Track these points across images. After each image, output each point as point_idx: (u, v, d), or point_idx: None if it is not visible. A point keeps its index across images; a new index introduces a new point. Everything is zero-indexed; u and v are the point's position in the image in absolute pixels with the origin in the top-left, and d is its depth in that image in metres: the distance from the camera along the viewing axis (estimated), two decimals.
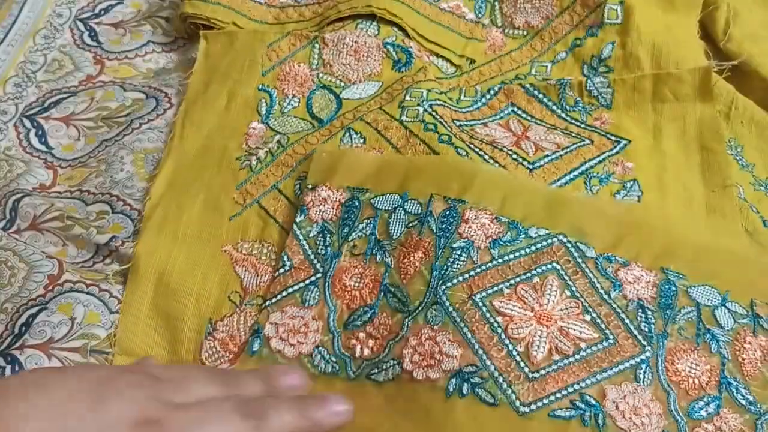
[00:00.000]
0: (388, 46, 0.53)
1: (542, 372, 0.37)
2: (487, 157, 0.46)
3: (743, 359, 0.39)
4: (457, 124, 0.49)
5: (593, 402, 0.36)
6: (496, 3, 0.57)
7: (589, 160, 0.47)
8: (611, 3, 0.54)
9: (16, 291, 0.43)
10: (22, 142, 0.52)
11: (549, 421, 0.36)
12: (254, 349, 0.40)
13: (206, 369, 0.37)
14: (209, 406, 0.33)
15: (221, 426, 0.33)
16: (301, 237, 0.44)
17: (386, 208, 0.44)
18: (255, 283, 0.43)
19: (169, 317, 0.43)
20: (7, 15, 0.59)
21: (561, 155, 0.47)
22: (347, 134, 0.48)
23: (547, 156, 0.47)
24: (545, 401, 0.36)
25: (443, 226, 0.42)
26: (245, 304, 0.43)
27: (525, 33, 0.56)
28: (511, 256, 0.41)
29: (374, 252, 0.42)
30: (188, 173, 0.49)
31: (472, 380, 0.37)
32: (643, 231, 0.43)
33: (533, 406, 0.36)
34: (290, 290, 0.42)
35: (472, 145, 0.47)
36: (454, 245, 0.41)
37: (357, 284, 0.42)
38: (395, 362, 0.38)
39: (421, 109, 0.49)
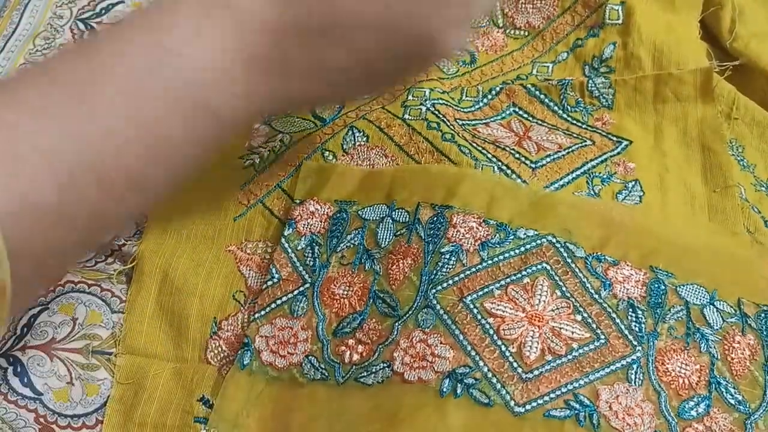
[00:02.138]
0: None
1: (536, 372, 0.37)
2: (490, 155, 0.46)
3: (732, 359, 0.39)
4: (460, 123, 0.49)
5: (587, 402, 0.36)
6: (497, 3, 0.57)
7: (591, 160, 0.47)
8: (612, 3, 0.54)
9: None
10: None
11: (544, 422, 0.36)
12: (245, 363, 0.40)
13: None
14: None
15: None
16: (289, 250, 0.44)
17: (374, 218, 0.44)
18: (260, 282, 0.43)
19: (174, 316, 0.43)
20: (8, 24, 0.59)
21: (563, 155, 0.47)
22: (350, 132, 0.48)
23: (549, 156, 0.47)
24: (540, 401, 0.36)
25: (431, 232, 0.42)
26: (250, 303, 0.43)
27: (526, 33, 0.56)
28: (501, 257, 0.41)
29: (363, 261, 0.42)
30: None
31: (465, 381, 0.36)
32: (630, 230, 0.43)
33: (528, 407, 0.36)
34: (279, 302, 0.42)
35: (474, 144, 0.47)
36: (442, 250, 0.41)
37: (346, 292, 0.41)
38: (385, 365, 0.38)
39: (423, 108, 0.49)
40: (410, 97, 0.50)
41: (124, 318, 0.43)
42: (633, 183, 0.47)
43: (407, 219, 0.43)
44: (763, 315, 0.41)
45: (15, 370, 0.39)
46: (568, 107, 0.51)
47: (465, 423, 0.36)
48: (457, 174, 0.44)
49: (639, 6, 0.53)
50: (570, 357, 0.38)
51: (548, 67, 0.55)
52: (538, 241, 0.41)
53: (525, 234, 0.42)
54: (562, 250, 0.41)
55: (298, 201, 0.45)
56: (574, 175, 0.46)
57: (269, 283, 0.43)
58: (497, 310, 0.39)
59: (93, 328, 0.42)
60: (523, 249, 0.41)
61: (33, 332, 0.40)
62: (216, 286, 0.43)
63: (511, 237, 0.42)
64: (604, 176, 0.47)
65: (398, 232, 0.43)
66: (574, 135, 0.49)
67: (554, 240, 0.42)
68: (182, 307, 0.43)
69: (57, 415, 0.39)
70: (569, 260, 0.41)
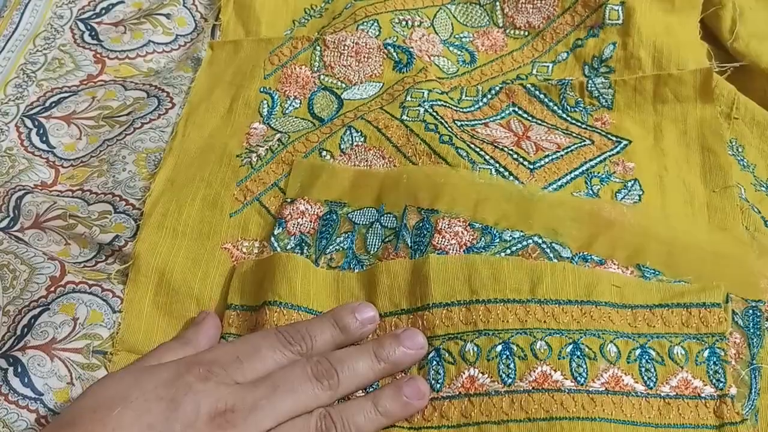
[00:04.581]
0: (389, 47, 0.53)
1: None
2: (487, 157, 0.46)
3: None
4: (458, 124, 0.49)
5: None
6: (497, 3, 0.57)
7: (590, 159, 0.47)
8: (612, 3, 0.53)
9: (18, 293, 0.43)
10: (23, 141, 0.52)
11: None
12: None
13: (268, 335, 0.35)
14: (277, 378, 0.33)
15: (293, 395, 0.32)
16: (278, 249, 0.44)
17: (363, 222, 0.44)
18: None
19: (172, 315, 0.43)
20: (8, 24, 0.59)
21: (562, 155, 0.47)
22: (348, 132, 0.48)
23: (548, 156, 0.47)
24: None
25: (417, 239, 0.42)
26: None
27: (526, 33, 0.56)
28: None
29: (352, 266, 0.42)
30: (188, 170, 0.49)
31: None
32: (620, 228, 0.43)
33: None
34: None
35: (472, 145, 0.47)
36: None
37: None
38: None
39: (422, 110, 0.49)
40: (408, 98, 0.50)
41: (122, 317, 0.43)
42: (632, 182, 0.47)
43: (395, 224, 0.43)
44: (751, 311, 0.40)
45: (15, 371, 0.39)
46: (568, 107, 0.51)
47: None
48: (445, 175, 0.44)
49: (639, 6, 0.53)
50: None
51: (548, 67, 0.55)
52: (524, 243, 0.42)
53: (511, 236, 0.42)
54: (548, 250, 0.41)
55: (289, 200, 0.45)
56: (572, 175, 0.46)
57: None
58: None
59: (94, 328, 0.42)
60: (508, 252, 0.41)
61: (33, 332, 0.41)
62: (213, 286, 0.44)
63: (497, 240, 0.42)
64: (603, 176, 0.47)
65: (386, 239, 0.43)
66: (574, 135, 0.49)
67: (540, 240, 0.42)
68: (179, 307, 0.43)
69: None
70: (555, 260, 0.41)
